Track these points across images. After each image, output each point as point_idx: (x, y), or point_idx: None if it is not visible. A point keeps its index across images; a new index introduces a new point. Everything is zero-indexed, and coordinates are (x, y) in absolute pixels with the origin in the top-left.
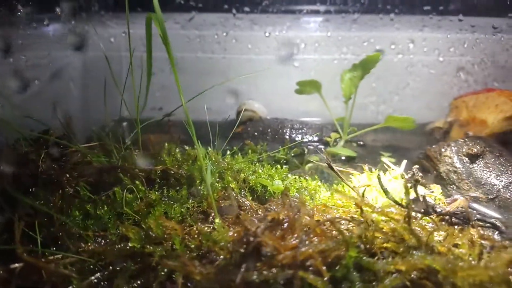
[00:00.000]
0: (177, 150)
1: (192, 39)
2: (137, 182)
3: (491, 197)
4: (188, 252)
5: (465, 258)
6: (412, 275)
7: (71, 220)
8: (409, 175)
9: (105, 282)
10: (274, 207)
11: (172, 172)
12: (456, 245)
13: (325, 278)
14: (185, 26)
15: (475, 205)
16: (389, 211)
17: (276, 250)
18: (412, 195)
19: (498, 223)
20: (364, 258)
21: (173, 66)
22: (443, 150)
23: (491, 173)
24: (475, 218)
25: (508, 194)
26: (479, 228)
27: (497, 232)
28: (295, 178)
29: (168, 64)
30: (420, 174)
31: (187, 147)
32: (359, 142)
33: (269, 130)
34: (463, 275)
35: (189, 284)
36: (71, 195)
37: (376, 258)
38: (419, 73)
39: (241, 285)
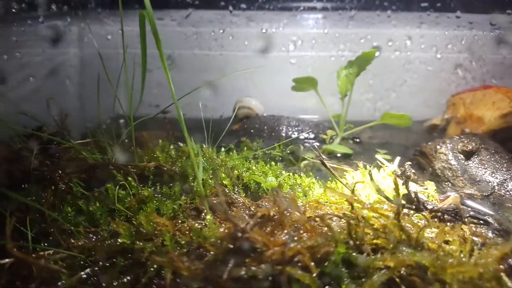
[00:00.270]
0: (171, 147)
1: (189, 36)
2: (129, 178)
3: (486, 194)
4: (178, 248)
5: (455, 255)
6: (402, 272)
7: (63, 216)
8: (401, 172)
9: (95, 278)
10: (266, 204)
11: (165, 168)
12: (447, 242)
13: (314, 274)
14: (182, 23)
15: (469, 202)
16: (379, 207)
17: (265, 246)
18: (405, 191)
19: (490, 220)
20: (354, 254)
21: (164, 62)
22: (438, 147)
23: (486, 170)
24: (467, 215)
25: (503, 191)
26: (471, 225)
27: (490, 229)
28: (288, 175)
29: (166, 61)
30: (413, 170)
31: (181, 144)
32: (355, 139)
33: (265, 127)
34: (453, 271)
35: (178, 280)
36: (64, 191)
37: (365, 254)
38: (416, 70)
39: (228, 281)
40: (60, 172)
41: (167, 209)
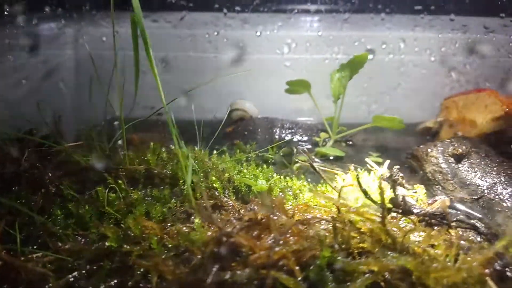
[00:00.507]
0: (163, 150)
1: (184, 38)
2: (119, 181)
3: (476, 197)
4: (165, 251)
5: (439, 259)
6: (387, 276)
7: (53, 219)
8: (388, 176)
9: (82, 281)
10: (255, 207)
11: (155, 171)
12: (433, 246)
13: (299, 278)
14: (177, 26)
15: (458, 206)
16: (365, 211)
17: (251, 250)
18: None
19: (478, 224)
20: (339, 258)
21: (152, 65)
22: (429, 150)
23: (476, 173)
24: (454, 219)
25: (492, 195)
26: (458, 229)
27: (477, 233)
28: (279, 178)
29: (160, 63)
30: (401, 174)
31: (173, 147)
32: (348, 142)
33: (259, 130)
34: (436, 276)
35: (164, 284)
36: (54, 194)
37: (350, 258)
38: (410, 73)
39: (212, 285)
40: (50, 175)
41: (156, 212)
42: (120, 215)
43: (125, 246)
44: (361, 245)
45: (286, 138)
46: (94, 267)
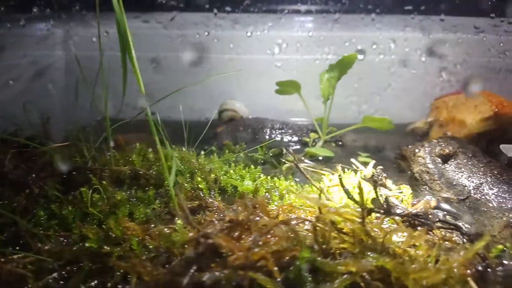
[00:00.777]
0: (150, 150)
1: (174, 39)
2: (103, 182)
3: (462, 198)
4: (146, 253)
5: (420, 260)
6: (367, 276)
7: (36, 220)
8: (370, 176)
9: (62, 282)
10: (239, 208)
11: (140, 172)
12: (414, 247)
13: (278, 279)
14: (167, 26)
15: (444, 206)
16: (344, 211)
17: (231, 251)
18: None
19: (462, 225)
20: (319, 259)
21: (134, 65)
22: (417, 150)
23: (463, 174)
24: (437, 220)
25: (479, 195)
26: (441, 229)
27: (461, 233)
28: (266, 178)
29: (152, 63)
30: (384, 174)
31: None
32: (337, 142)
33: (249, 130)
34: (415, 277)
35: (143, 285)
36: (38, 194)
37: (330, 258)
38: (401, 73)
39: (189, 286)
40: (34, 175)
41: (140, 213)
42: (103, 216)
43: (105, 247)
44: (341, 245)
45: (277, 139)
46: (74, 268)
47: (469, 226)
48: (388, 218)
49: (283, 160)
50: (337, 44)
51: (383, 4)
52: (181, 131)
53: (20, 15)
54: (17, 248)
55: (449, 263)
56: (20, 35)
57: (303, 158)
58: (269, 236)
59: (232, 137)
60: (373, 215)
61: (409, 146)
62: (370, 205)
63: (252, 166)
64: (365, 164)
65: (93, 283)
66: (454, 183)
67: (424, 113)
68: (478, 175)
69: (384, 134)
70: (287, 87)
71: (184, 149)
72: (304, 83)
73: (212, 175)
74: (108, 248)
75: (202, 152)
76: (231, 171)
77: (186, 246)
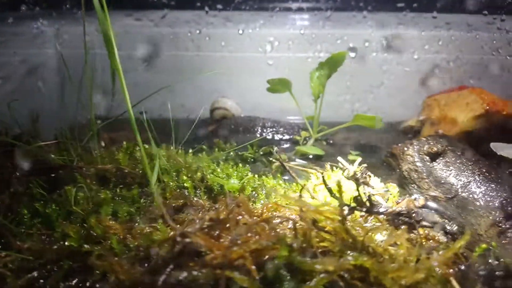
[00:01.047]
0: (138, 149)
1: (166, 37)
2: (88, 181)
3: (450, 196)
4: (127, 251)
5: (399, 259)
6: (346, 275)
7: (19, 218)
8: (351, 175)
9: (42, 280)
10: (222, 207)
11: (126, 171)
12: (396, 245)
13: (257, 277)
14: (159, 24)
15: (431, 205)
16: (325, 209)
17: (210, 250)
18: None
19: (445, 224)
20: (298, 257)
21: (116, 64)
22: (405, 149)
23: (451, 172)
24: (420, 218)
25: (466, 193)
26: (425, 228)
27: (444, 232)
28: (253, 177)
29: (142, 62)
30: (368, 173)
31: (147, 146)
32: (329, 141)
33: (240, 129)
34: (393, 276)
35: (120, 284)
36: (22, 193)
37: (309, 257)
38: (393, 71)
39: (165, 285)
40: (18, 174)
41: (123, 212)
42: (86, 215)
43: (85, 245)
44: (322, 244)
45: (268, 137)
46: (55, 267)
47: (454, 224)
48: (372, 217)
49: (271, 159)
50: (329, 41)
51: (375, 1)
52: (172, 129)
53: (8, 13)
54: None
55: (428, 262)
56: (9, 34)
57: (293, 156)
58: (249, 234)
59: (224, 135)
60: (358, 213)
61: (399, 145)
62: (353, 204)
63: (241, 165)
64: (354, 162)
65: (73, 282)
66: (442, 181)
67: (417, 111)
68: (466, 174)
69: (377, 132)
70: (278, 85)
71: (172, 148)
72: (297, 81)
73: (199, 174)
74: (88, 246)
75: (190, 151)
76: (218, 170)
77: (165, 245)
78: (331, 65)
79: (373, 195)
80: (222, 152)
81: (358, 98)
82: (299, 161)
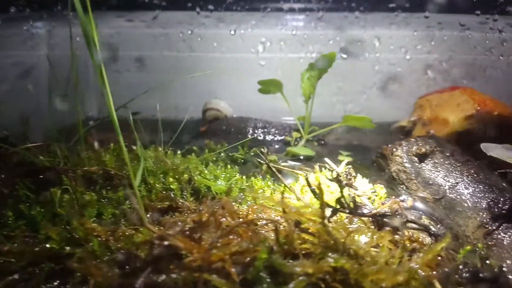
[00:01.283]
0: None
1: (158, 37)
2: (73, 183)
3: (438, 197)
4: (108, 254)
5: (381, 261)
6: (327, 277)
7: (4, 220)
8: (335, 176)
9: (22, 283)
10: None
11: (112, 173)
12: (377, 247)
13: (237, 280)
14: (150, 25)
15: (420, 205)
16: (306, 211)
17: (189, 252)
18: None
19: (430, 225)
20: (278, 260)
21: (96, 65)
22: (394, 149)
23: (439, 173)
24: (405, 220)
25: (454, 195)
26: (409, 230)
27: (430, 234)
28: (241, 178)
29: (135, 63)
30: (353, 174)
31: (134, 147)
32: (320, 141)
33: (232, 129)
34: (373, 278)
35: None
36: (8, 195)
37: (288, 259)
38: (386, 72)
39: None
40: (3, 176)
41: (108, 214)
42: (70, 217)
43: (67, 248)
44: (303, 246)
45: (259, 138)
46: (36, 269)
47: (440, 226)
48: (357, 219)
49: (259, 161)
50: (321, 42)
51: (367, 2)
52: (164, 130)
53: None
54: None
55: (406, 264)
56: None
57: (284, 157)
58: (231, 237)
59: (216, 136)
60: (344, 215)
61: (389, 145)
62: (336, 205)
63: (229, 166)
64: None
65: (54, 284)
66: (430, 182)
67: (409, 111)
68: (455, 175)
69: (368, 133)
70: (269, 86)
71: (160, 149)
72: (289, 82)
73: (186, 175)
74: (70, 249)
75: (179, 152)
76: (206, 171)
77: (145, 247)
78: (321, 65)
79: (358, 196)
80: (212, 153)
81: (350, 99)
82: (290, 162)
